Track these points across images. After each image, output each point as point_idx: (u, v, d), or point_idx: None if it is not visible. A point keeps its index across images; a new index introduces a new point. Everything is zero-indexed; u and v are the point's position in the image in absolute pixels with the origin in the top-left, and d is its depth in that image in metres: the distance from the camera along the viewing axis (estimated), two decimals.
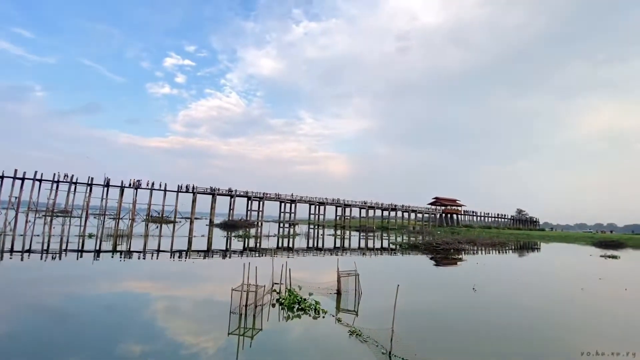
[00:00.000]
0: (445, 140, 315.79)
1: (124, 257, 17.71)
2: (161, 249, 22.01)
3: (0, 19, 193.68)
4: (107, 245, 22.07)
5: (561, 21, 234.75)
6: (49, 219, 45.86)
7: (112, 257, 17.62)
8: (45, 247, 19.10)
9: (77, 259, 16.31)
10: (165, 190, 59.95)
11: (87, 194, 54.90)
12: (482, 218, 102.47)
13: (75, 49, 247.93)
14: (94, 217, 56.37)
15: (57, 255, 16.94)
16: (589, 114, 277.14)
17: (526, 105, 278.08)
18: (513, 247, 40.62)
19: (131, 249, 20.73)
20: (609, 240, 55.27)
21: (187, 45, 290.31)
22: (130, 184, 58.29)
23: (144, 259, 17.67)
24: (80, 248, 19.78)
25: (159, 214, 59.44)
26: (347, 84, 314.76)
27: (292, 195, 73.03)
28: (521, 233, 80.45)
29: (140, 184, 58.94)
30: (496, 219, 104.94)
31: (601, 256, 32.22)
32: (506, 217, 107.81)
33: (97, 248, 20.24)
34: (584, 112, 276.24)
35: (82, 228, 34.41)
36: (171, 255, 19.51)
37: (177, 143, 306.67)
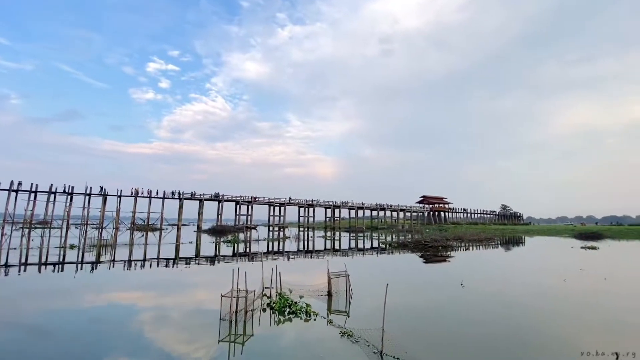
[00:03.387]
0: (430, 141, 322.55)
1: (109, 268, 17.23)
2: (147, 257, 21.50)
3: None
4: (90, 256, 21.40)
5: (535, 25, 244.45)
6: (27, 231, 44.08)
7: (96, 268, 17.11)
8: (23, 261, 18.36)
9: (58, 271, 15.75)
10: (150, 197, 58.73)
11: (68, 204, 53.22)
12: (469, 215, 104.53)
13: (53, 55, 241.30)
14: (76, 227, 54.62)
15: (36, 268, 16.31)
16: (563, 112, 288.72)
17: (505, 105, 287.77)
18: (499, 242, 41.62)
19: (116, 259, 20.19)
20: (589, 232, 57.36)
21: (171, 49, 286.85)
22: (119, 193, 56.78)
23: (130, 268, 17.22)
24: (61, 260, 19.10)
25: (144, 221, 58.11)
26: (333, 87, 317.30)
27: (281, 198, 72.69)
28: (506, 228, 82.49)
29: (124, 192, 57.52)
30: (482, 215, 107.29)
31: (582, 247, 33.36)
32: (491, 213, 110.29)
33: (80, 259, 19.60)
34: (559, 111, 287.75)
35: (63, 239, 33.27)
36: (158, 263, 19.08)
37: (162, 149, 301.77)
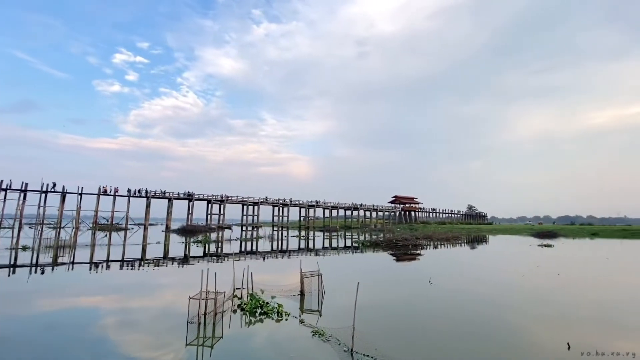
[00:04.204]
0: (403, 142, 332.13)
1: (67, 270, 16.18)
2: (111, 258, 20.40)
3: None
4: (45, 257, 19.96)
5: (500, 35, 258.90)
6: None
7: (53, 270, 16.00)
8: None
9: (9, 275, 14.57)
10: (115, 195, 55.80)
11: (21, 202, 49.36)
12: (438, 214, 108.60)
13: (7, 41, 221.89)
14: (30, 227, 50.78)
15: None
16: (525, 118, 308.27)
17: (473, 110, 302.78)
18: (465, 241, 43.60)
19: (75, 261, 19.00)
20: (545, 231, 61.48)
21: (140, 41, 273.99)
22: (79, 191, 53.41)
23: (91, 270, 16.26)
24: (12, 263, 17.69)
25: (108, 221, 55.13)
26: (309, 86, 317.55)
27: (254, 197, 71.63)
28: (472, 227, 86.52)
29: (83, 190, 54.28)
30: (450, 214, 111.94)
31: (539, 245, 35.71)
32: (458, 212, 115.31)
33: (34, 262, 18.23)
34: (521, 117, 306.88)
35: (15, 240, 30.80)
36: (122, 265, 18.17)
37: (129, 144, 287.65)
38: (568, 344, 6.70)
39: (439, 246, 34.42)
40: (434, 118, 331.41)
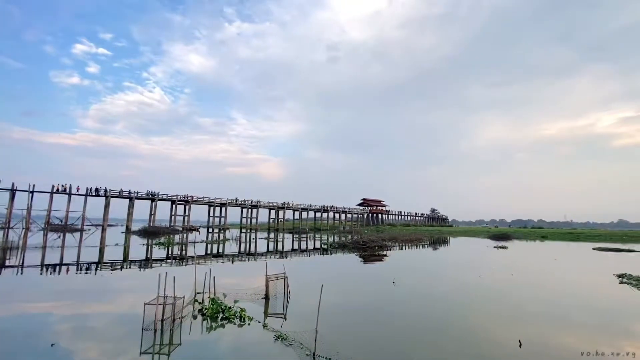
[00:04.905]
0: (370, 146, 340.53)
1: (16, 274, 14.88)
2: (64, 261, 19.00)
3: None
4: None
5: (462, 49, 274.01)
6: None
7: (0, 273, 14.64)
8: None
9: None
10: (69, 194, 52.02)
11: None
12: (403, 217, 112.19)
13: None
14: None
15: None
16: (483, 128, 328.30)
17: (436, 118, 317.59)
18: (428, 242, 45.45)
19: (25, 264, 17.51)
20: (501, 233, 65.61)
21: (103, 32, 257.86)
22: (31, 189, 49.03)
23: (43, 274, 15.06)
24: None
25: (62, 221, 51.23)
26: (280, 88, 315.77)
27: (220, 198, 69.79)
28: (434, 229, 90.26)
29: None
30: (414, 217, 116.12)
31: (494, 247, 38.06)
32: (422, 215, 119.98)
33: None
34: (480, 126, 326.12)
35: None
36: (77, 268, 17.00)
37: (88, 140, 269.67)
38: (520, 341, 7.20)
39: (404, 247, 35.59)
40: (400, 124, 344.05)
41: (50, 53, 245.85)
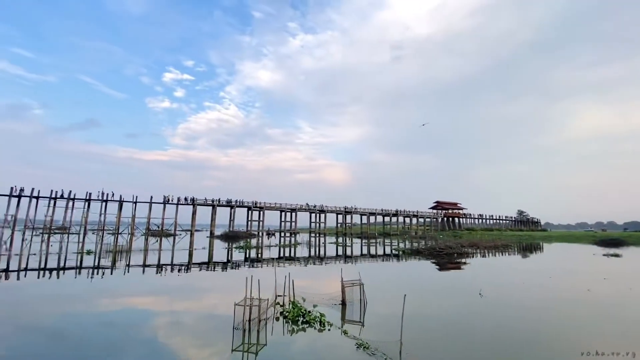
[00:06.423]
0: (442, 146, 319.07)
1: (124, 273, 17.45)
2: (162, 262, 21.72)
3: (0, 40, 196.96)
4: (105, 261, 21.77)
5: (545, 29, 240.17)
6: (46, 236, 45.32)
7: (111, 273, 17.34)
8: (42, 266, 18.80)
9: (75, 276, 16.03)
10: (165, 203, 59.68)
11: (85, 210, 54.55)
12: (484, 220, 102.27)
13: (74, 66, 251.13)
14: (93, 233, 55.83)
15: (55, 273, 16.65)
16: (577, 116, 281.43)
17: (517, 109, 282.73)
18: (516, 249, 40.40)
19: (131, 264, 20.46)
20: (610, 239, 55.07)
21: (186, 60, 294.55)
22: (134, 200, 57.66)
23: (144, 273, 17.41)
24: (78, 265, 19.48)
25: (158, 227, 58.98)
26: (344, 93, 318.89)
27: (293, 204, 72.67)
28: (523, 234, 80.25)
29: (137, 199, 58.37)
30: (498, 221, 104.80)
31: (604, 255, 32.05)
32: (507, 218, 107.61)
33: (96, 264, 19.94)
34: (572, 115, 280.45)
35: (81, 245, 34.02)
36: (172, 269, 19.24)
37: (177, 156, 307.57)
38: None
39: (487, 255, 32.21)
40: (474, 119, 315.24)
41: (146, 83, 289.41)
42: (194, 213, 61.91)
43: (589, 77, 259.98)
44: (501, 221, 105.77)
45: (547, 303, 11.80)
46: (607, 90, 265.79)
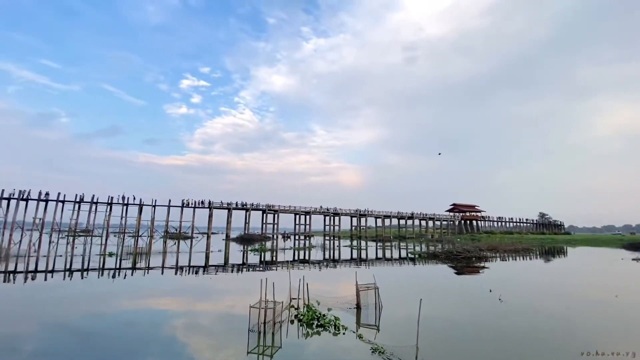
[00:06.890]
0: (456, 147, 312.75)
1: (144, 275, 17.92)
2: (180, 264, 22.21)
3: (29, 52, 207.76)
4: (126, 263, 22.45)
5: (561, 27, 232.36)
6: (71, 238, 47.19)
7: (132, 274, 17.86)
8: (67, 267, 19.57)
9: (98, 277, 16.60)
10: (182, 207, 60.96)
11: (107, 213, 56.40)
12: (504, 223, 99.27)
13: (98, 76, 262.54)
14: (114, 236, 57.62)
15: (79, 274, 17.30)
16: (602, 114, 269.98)
17: (535, 108, 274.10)
18: (538, 253, 39.02)
19: (150, 266, 21.00)
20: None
21: (202, 66, 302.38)
22: (153, 203, 59.07)
23: (163, 275, 17.85)
24: (101, 266, 20.17)
25: (176, 230, 60.28)
26: (356, 96, 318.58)
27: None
28: (545, 237, 77.54)
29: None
30: (518, 223, 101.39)
31: (633, 259, 30.53)
32: (529, 221, 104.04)
33: (117, 266, 20.60)
34: (597, 113, 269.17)
35: (103, 247, 35.21)
36: (189, 270, 19.63)
37: (194, 160, 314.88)
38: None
39: (507, 259, 31.26)
40: (489, 119, 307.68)
41: (164, 90, 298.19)
42: (210, 216, 62.97)
43: (614, 73, 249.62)
44: (522, 224, 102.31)
45: (571, 310, 11.34)
46: (633, 86, 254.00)
